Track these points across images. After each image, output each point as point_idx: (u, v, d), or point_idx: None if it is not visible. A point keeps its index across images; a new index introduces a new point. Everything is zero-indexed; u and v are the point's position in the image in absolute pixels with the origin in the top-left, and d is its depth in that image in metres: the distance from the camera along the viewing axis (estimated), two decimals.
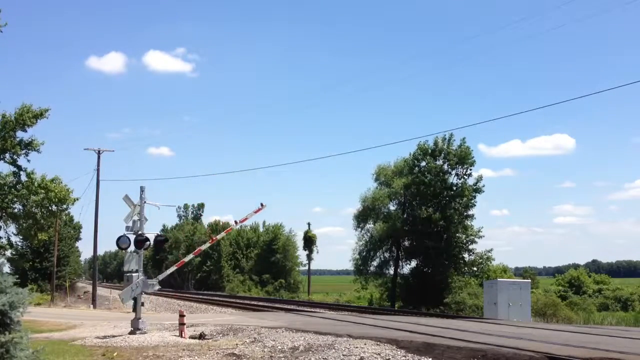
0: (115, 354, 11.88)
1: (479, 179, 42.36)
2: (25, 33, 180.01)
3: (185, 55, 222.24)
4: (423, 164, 43.41)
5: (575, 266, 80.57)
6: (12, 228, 26.03)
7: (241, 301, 42.82)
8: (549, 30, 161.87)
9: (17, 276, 6.98)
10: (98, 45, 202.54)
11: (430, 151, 42.83)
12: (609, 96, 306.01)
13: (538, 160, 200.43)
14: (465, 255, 43.22)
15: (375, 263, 47.04)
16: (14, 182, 24.10)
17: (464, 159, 41.79)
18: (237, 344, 12.88)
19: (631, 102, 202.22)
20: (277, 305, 37.89)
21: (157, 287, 15.51)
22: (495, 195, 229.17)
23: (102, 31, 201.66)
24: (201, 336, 14.60)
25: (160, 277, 16.63)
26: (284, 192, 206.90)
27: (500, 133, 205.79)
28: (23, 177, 24.30)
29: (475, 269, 43.25)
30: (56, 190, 24.37)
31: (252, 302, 40.73)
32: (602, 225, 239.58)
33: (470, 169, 42.29)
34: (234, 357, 11.13)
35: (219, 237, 22.98)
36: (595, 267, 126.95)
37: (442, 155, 42.51)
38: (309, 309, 34.19)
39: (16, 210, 24.68)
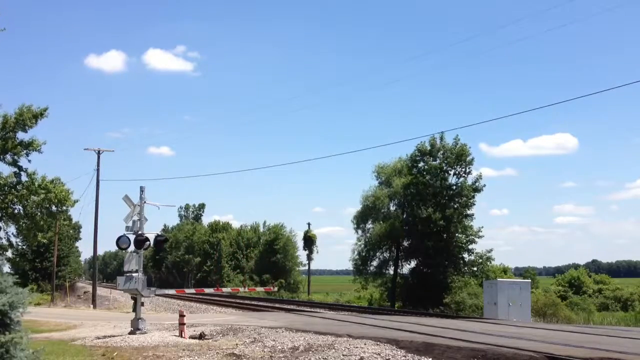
0: (115, 354, 11.88)
1: (478, 177, 42.34)
2: (23, 31, 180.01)
3: (185, 53, 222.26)
4: (421, 164, 43.36)
5: (576, 266, 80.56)
6: (12, 229, 26.02)
7: (241, 301, 42.80)
8: (550, 30, 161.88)
9: (18, 276, 6.99)
10: (97, 43, 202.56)
11: (428, 151, 42.73)
12: (611, 96, 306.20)
13: (540, 159, 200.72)
14: (465, 255, 43.19)
15: (375, 263, 46.98)
16: (15, 183, 24.08)
17: (460, 156, 41.69)
18: (237, 344, 12.88)
19: (633, 101, 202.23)
20: (277, 305, 37.86)
21: (154, 295, 16.93)
22: (496, 195, 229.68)
23: (102, 29, 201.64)
24: (201, 336, 14.60)
25: (158, 292, 17.20)
26: (284, 192, 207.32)
27: (502, 132, 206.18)
28: (24, 178, 24.29)
29: (475, 269, 43.20)
30: (56, 192, 24.35)
31: (252, 302, 40.70)
32: (603, 225, 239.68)
33: (469, 167, 42.22)
34: (234, 357, 11.13)
35: (224, 289, 26.75)
36: (595, 267, 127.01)
37: (440, 154, 42.43)
38: (309, 309, 34.19)
39: (16, 210, 24.67)
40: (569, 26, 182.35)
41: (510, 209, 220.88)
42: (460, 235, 42.37)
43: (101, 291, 57.12)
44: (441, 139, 42.23)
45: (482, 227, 42.75)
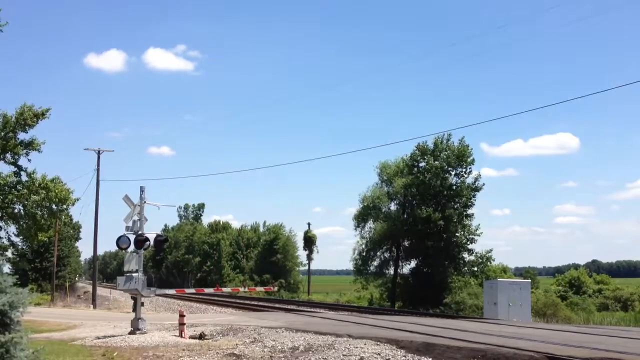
0: (115, 354, 11.88)
1: (478, 177, 42.37)
2: (22, 30, 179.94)
3: (185, 52, 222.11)
4: (422, 164, 43.39)
5: (576, 266, 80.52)
6: (12, 228, 26.01)
7: (241, 301, 42.79)
8: (550, 30, 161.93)
9: (18, 276, 6.98)
10: (97, 43, 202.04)
11: (430, 151, 42.80)
12: (611, 95, 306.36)
13: (540, 159, 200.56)
14: (465, 255, 43.22)
15: (375, 263, 46.98)
16: (15, 182, 24.07)
17: (462, 157, 41.74)
18: (237, 344, 12.88)
19: (633, 101, 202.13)
20: (277, 305, 37.87)
21: (154, 295, 17.11)
22: (497, 195, 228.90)
23: (102, 28, 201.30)
24: (201, 336, 14.60)
25: (158, 292, 17.32)
26: (284, 192, 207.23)
27: (503, 132, 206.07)
28: (24, 177, 24.28)
29: (475, 269, 43.22)
30: (56, 191, 24.35)
31: (252, 302, 40.69)
32: (603, 225, 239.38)
33: (470, 167, 42.26)
34: (234, 357, 11.13)
35: (224, 289, 26.67)
36: (595, 267, 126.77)
37: (441, 155, 42.49)
38: (309, 309, 34.18)
39: (16, 210, 24.66)
40: (569, 26, 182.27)
41: (511, 209, 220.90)
42: (459, 235, 42.41)
43: (101, 291, 57.13)
44: (447, 139, 42.32)
45: (480, 224, 42.95)
